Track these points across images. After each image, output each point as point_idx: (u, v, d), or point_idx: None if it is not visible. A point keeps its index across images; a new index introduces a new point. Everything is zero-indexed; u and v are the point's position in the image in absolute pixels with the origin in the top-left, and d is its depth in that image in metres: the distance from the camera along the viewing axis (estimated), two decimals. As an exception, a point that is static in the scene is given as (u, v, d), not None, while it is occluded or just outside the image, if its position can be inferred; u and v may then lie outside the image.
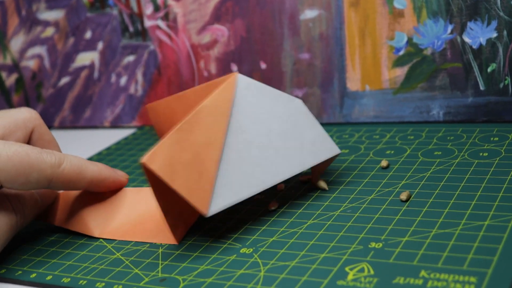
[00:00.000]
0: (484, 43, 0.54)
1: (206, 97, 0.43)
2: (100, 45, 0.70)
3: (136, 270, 0.40)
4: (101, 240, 0.45)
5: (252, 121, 0.44)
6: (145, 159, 0.39)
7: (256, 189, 0.42)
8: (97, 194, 0.46)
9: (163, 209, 0.41)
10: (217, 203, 0.41)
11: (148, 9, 0.67)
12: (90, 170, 0.44)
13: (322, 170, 0.47)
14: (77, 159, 0.43)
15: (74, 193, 0.47)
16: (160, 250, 0.42)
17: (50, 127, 0.74)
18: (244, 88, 0.44)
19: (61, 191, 0.47)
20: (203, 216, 0.45)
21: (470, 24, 0.54)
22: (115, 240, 0.45)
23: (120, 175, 0.46)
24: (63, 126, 0.74)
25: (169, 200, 0.42)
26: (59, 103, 0.73)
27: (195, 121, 0.42)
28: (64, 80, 0.73)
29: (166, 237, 0.43)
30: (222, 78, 0.45)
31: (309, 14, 0.60)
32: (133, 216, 0.45)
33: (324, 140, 0.46)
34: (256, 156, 0.43)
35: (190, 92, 0.48)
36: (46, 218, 0.47)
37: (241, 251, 0.40)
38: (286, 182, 0.49)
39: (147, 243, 0.43)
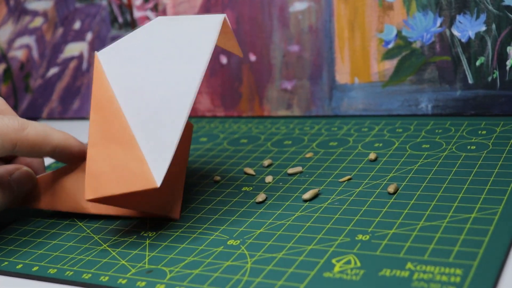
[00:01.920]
0: (473, 36, 0.54)
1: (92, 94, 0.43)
2: (89, 36, 0.70)
3: (123, 262, 0.40)
4: (88, 231, 0.45)
5: (133, 77, 0.42)
6: (87, 195, 0.40)
7: (181, 120, 0.41)
8: (78, 170, 0.46)
9: (144, 209, 0.42)
10: (158, 168, 0.40)
11: (138, 0, 0.67)
12: (55, 135, 0.44)
13: (232, 40, 0.46)
14: (41, 125, 0.44)
15: (54, 174, 0.47)
16: (148, 242, 0.42)
17: (38, 118, 0.74)
18: (107, 60, 0.43)
19: (39, 176, 0.47)
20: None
21: (459, 18, 0.54)
22: (102, 231, 0.44)
23: (85, 146, 0.46)
24: (51, 117, 0.73)
25: (137, 199, 0.42)
26: (47, 94, 0.73)
27: (95, 127, 0.42)
28: (53, 70, 0.72)
29: (164, 210, 0.44)
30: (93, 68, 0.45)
31: (298, 6, 0.60)
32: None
33: (202, 20, 0.44)
34: (159, 97, 0.42)
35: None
36: (30, 203, 0.47)
37: (228, 243, 0.40)
38: (274, 174, 0.49)
39: (134, 234, 0.43)
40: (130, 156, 0.41)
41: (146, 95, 0.42)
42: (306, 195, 0.44)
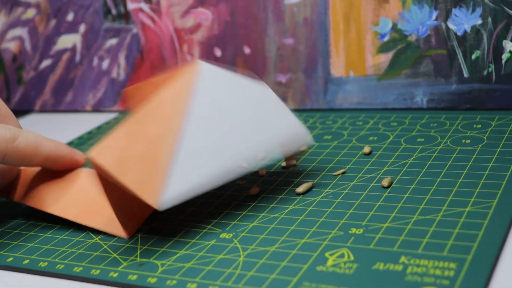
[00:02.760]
0: (468, 30, 0.54)
1: (167, 86, 0.42)
2: (82, 28, 0.69)
3: (115, 255, 0.40)
4: (79, 224, 0.44)
5: (214, 109, 0.41)
6: (93, 152, 0.38)
7: (216, 181, 0.40)
8: (57, 172, 0.45)
9: (113, 203, 0.40)
10: (170, 195, 0.38)
11: (131, -8, 0.66)
12: (46, 146, 0.43)
13: (295, 159, 0.46)
14: (33, 135, 0.43)
15: (35, 169, 0.46)
16: (139, 235, 0.42)
17: (30, 110, 0.73)
18: (207, 76, 0.42)
19: (22, 168, 0.47)
20: (157, 211, 0.44)
21: (455, 11, 0.54)
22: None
23: (78, 154, 0.45)
24: (44, 110, 0.73)
25: (120, 194, 0.40)
26: (40, 86, 0.72)
27: (150, 112, 0.40)
28: (46, 63, 0.72)
29: (117, 228, 0.42)
30: (186, 65, 0.43)
31: (293, -2, 0.59)
32: (86, 196, 0.44)
33: (295, 128, 0.43)
34: (218, 145, 0.41)
35: (160, 78, 0.46)
36: (8, 194, 0.46)
37: (220, 236, 0.40)
38: (268, 167, 0.49)
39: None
40: (156, 163, 0.39)
41: (211, 134, 0.41)
42: (300, 189, 0.44)
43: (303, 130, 0.44)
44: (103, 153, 0.38)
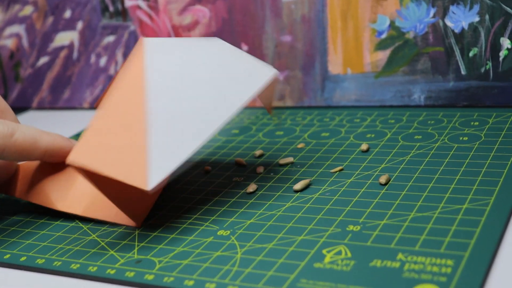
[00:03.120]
0: (466, 27, 0.54)
1: (120, 73, 0.42)
2: (79, 25, 0.69)
3: (112, 252, 0.40)
4: (77, 221, 0.44)
5: (172, 78, 0.41)
6: (69, 159, 0.38)
7: (198, 141, 0.40)
8: (58, 165, 0.45)
9: (113, 199, 0.40)
10: (156, 172, 0.39)
11: (129, -11, 0.66)
12: (44, 140, 0.43)
13: (270, 98, 0.45)
14: (30, 129, 0.43)
15: (35, 164, 0.46)
16: (137, 232, 0.42)
17: (28, 108, 0.73)
18: (154, 49, 0.42)
19: (21, 163, 0.46)
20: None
21: (452, 8, 0.54)
22: (91, 221, 0.44)
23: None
24: (41, 107, 0.73)
25: (116, 188, 0.41)
26: (37, 83, 0.72)
27: (112, 103, 0.40)
28: (43, 60, 0.72)
29: (127, 218, 0.42)
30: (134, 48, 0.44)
31: (291, -5, 0.59)
32: (89, 190, 0.44)
33: (255, 67, 0.43)
34: (188, 110, 0.41)
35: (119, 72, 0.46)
36: (7, 190, 0.46)
37: (218, 233, 0.40)
38: (266, 165, 0.49)
39: (123, 225, 0.43)
40: (133, 146, 0.39)
41: (177, 101, 0.41)
42: (297, 186, 0.44)
43: (264, 65, 0.43)
44: (80, 155, 0.38)
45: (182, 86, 0.41)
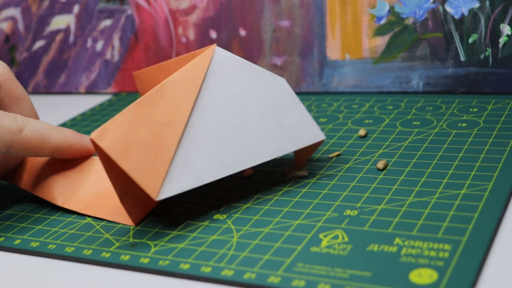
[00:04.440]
0: (466, 13, 0.53)
1: (178, 71, 0.40)
2: (76, 8, 0.69)
3: (107, 235, 0.39)
4: (72, 204, 0.44)
5: (226, 98, 0.40)
6: (95, 135, 0.37)
7: (220, 172, 0.39)
8: (66, 160, 0.45)
9: (116, 188, 0.39)
10: (170, 186, 0.38)
11: (126, -28, 0.65)
12: (54, 137, 0.42)
13: (306, 156, 0.44)
14: (41, 125, 0.41)
15: (43, 160, 0.46)
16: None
17: (24, 92, 0.73)
18: (221, 62, 0.41)
19: None
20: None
21: (452, -6, 0.53)
22: (86, 205, 0.44)
23: (87, 141, 0.44)
24: (37, 92, 0.72)
25: (124, 180, 0.40)
26: (33, 67, 0.72)
27: (158, 96, 0.39)
28: (39, 44, 0.71)
29: (123, 217, 0.41)
30: (200, 50, 0.42)
31: (290, -20, 0.59)
32: (98, 189, 0.43)
33: (307, 124, 0.42)
34: (225, 136, 0.40)
35: (172, 62, 0.45)
36: (12, 179, 0.46)
37: (214, 217, 0.40)
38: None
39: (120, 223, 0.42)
40: (159, 152, 0.38)
41: (220, 125, 0.40)
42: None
43: (315, 126, 0.42)
44: (105, 136, 0.37)
45: (231, 112, 0.40)
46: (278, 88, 0.42)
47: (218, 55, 0.41)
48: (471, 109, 0.50)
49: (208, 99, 0.40)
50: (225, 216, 0.40)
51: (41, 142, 0.41)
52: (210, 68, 0.41)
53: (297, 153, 0.43)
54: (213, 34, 0.63)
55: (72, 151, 0.43)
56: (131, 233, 0.39)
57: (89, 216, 0.42)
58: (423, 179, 0.41)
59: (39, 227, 0.42)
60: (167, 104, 0.39)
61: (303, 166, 0.45)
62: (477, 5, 0.53)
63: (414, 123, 0.49)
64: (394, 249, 0.34)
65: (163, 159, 0.38)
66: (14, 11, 0.71)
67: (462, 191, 0.38)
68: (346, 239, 0.35)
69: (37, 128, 0.41)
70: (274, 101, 0.42)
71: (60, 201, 0.43)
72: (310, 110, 0.55)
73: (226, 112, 0.40)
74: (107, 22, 0.67)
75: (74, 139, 0.43)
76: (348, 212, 0.38)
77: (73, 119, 0.62)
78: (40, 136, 0.41)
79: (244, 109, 0.41)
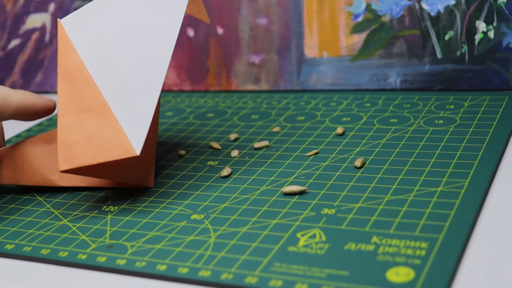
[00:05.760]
0: (442, 10, 0.54)
1: (59, 64, 0.42)
2: (51, 7, 0.68)
3: (83, 237, 0.39)
4: (48, 206, 0.44)
5: (102, 47, 0.41)
6: (62, 166, 0.40)
7: (156, 90, 0.41)
8: (42, 142, 0.44)
9: (117, 179, 0.41)
10: (137, 137, 0.40)
11: (102, -30, 0.65)
12: (15, 97, 0.43)
13: (199, 5, 0.45)
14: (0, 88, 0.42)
15: (16, 147, 0.45)
16: (109, 216, 0.41)
17: (-1, 91, 0.72)
18: (73, 28, 0.42)
19: (0, 150, 0.45)
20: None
21: (428, -9, 0.54)
22: (63, 206, 0.43)
23: (46, 99, 0.45)
24: (13, 91, 0.71)
25: (114, 169, 0.41)
26: (8, 67, 0.71)
27: (65, 96, 0.41)
28: (14, 42, 0.70)
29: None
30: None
31: (267, -22, 0.58)
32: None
33: None
34: (132, 68, 0.41)
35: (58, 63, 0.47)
36: None
37: (191, 218, 0.40)
38: (240, 148, 0.48)
39: (95, 209, 0.42)
40: (105, 125, 0.40)
41: (118, 64, 0.41)
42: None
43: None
44: (67, 159, 0.40)
45: (114, 48, 0.42)
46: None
47: (66, 24, 0.42)
48: (447, 106, 0.51)
49: (93, 60, 0.41)
50: (202, 216, 0.40)
51: (4, 103, 0.42)
52: (72, 38, 0.42)
53: (193, 12, 0.45)
54: (191, 32, 0.62)
55: (34, 109, 0.44)
56: (107, 234, 0.39)
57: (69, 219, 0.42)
58: (400, 176, 0.41)
59: (14, 229, 0.41)
60: (73, 94, 0.41)
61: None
62: (452, 2, 0.53)
63: (392, 120, 0.49)
64: (371, 247, 0.34)
65: (112, 127, 0.40)
66: (-12, 10, 0.70)
67: (439, 189, 0.39)
68: (324, 238, 0.35)
69: None
70: (130, 7, 0.42)
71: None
72: (288, 108, 0.55)
73: (113, 54, 0.41)
74: (83, 21, 0.66)
75: (34, 98, 0.44)
76: (325, 210, 0.38)
77: (50, 119, 0.61)
78: (2, 98, 0.42)
79: (120, 37, 0.42)
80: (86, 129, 0.40)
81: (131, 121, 0.40)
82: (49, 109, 0.45)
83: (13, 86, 0.71)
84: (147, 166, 0.44)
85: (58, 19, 0.43)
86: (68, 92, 0.41)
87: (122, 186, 0.44)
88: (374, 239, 0.35)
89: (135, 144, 0.40)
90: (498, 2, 0.52)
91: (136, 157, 0.41)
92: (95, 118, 0.40)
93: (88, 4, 0.43)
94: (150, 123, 0.40)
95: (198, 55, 0.62)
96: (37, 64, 0.69)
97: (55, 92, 0.69)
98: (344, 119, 0.51)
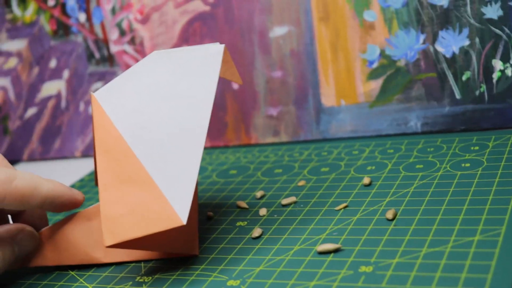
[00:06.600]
0: (457, 51, 0.54)
1: (96, 139, 0.42)
2: (66, 74, 0.68)
3: (120, 312, 0.39)
4: (81, 280, 0.43)
5: (138, 116, 0.41)
6: (108, 241, 0.39)
7: (197, 155, 0.40)
8: (82, 219, 0.44)
9: (162, 250, 0.41)
10: (182, 205, 0.39)
11: (114, 34, 0.65)
12: (45, 185, 0.42)
13: (231, 68, 0.45)
14: (29, 175, 0.42)
15: (56, 227, 0.45)
16: (144, 288, 0.41)
17: (18, 160, 0.72)
18: (106, 100, 0.42)
19: (42, 230, 0.45)
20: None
21: (441, 33, 0.54)
22: (96, 279, 0.43)
23: (75, 193, 0.44)
24: (32, 159, 0.71)
25: (159, 240, 0.41)
26: (27, 135, 0.71)
27: (105, 170, 0.40)
28: (31, 111, 0.71)
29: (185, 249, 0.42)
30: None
31: (278, 31, 0.59)
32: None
33: (202, 54, 0.43)
34: (170, 134, 0.41)
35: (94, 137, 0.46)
36: (34, 262, 0.44)
37: (228, 284, 0.39)
38: (268, 206, 0.48)
39: (129, 281, 0.42)
40: (148, 196, 0.40)
41: (155, 133, 0.41)
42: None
43: (207, 47, 0.43)
44: (112, 233, 0.39)
45: (150, 117, 0.41)
46: (156, 61, 0.43)
47: (100, 97, 0.42)
48: (472, 147, 0.50)
49: (129, 130, 0.41)
50: (239, 281, 0.39)
51: (33, 191, 0.42)
52: (106, 110, 0.42)
53: (225, 75, 0.45)
54: (206, 89, 0.62)
55: (62, 200, 0.44)
56: (144, 308, 0.39)
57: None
58: (434, 227, 0.40)
59: (50, 307, 0.41)
60: (113, 167, 0.41)
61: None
62: (467, 42, 0.53)
63: (417, 166, 0.49)
64: (415, 306, 0.33)
65: (156, 197, 0.39)
66: (4, 81, 0.71)
67: (476, 238, 0.38)
68: (365, 299, 0.35)
69: (27, 178, 0.42)
70: (162, 71, 0.43)
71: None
72: (311, 160, 0.55)
73: (149, 122, 0.41)
74: (98, 85, 0.67)
75: (63, 189, 0.44)
76: (363, 268, 0.38)
77: (72, 186, 0.61)
78: (32, 185, 0.42)
79: (154, 104, 0.42)
80: (129, 201, 0.40)
81: (174, 189, 0.40)
82: (76, 202, 0.44)
83: (32, 154, 0.71)
84: (192, 233, 0.43)
85: (91, 92, 0.43)
86: (108, 166, 0.41)
87: (167, 256, 0.43)
88: (417, 297, 0.34)
89: (181, 213, 0.39)
90: (513, 39, 0.52)
91: (182, 226, 0.40)
92: (138, 190, 0.40)
93: (120, 75, 0.43)
94: (193, 190, 0.40)
95: (215, 110, 0.62)
96: (55, 130, 0.70)
97: (74, 157, 0.69)
98: (369, 167, 0.51)
